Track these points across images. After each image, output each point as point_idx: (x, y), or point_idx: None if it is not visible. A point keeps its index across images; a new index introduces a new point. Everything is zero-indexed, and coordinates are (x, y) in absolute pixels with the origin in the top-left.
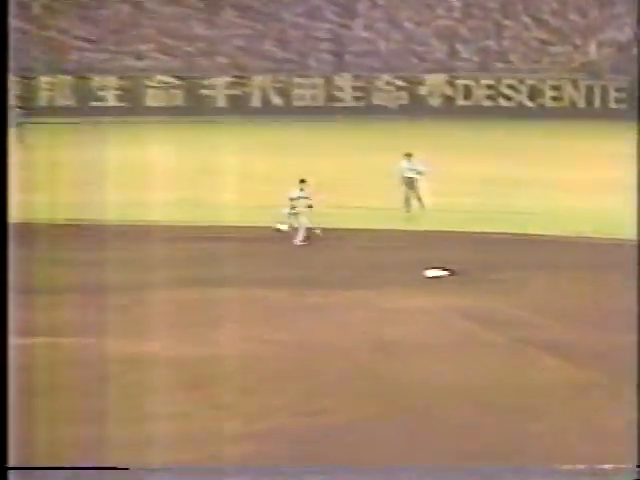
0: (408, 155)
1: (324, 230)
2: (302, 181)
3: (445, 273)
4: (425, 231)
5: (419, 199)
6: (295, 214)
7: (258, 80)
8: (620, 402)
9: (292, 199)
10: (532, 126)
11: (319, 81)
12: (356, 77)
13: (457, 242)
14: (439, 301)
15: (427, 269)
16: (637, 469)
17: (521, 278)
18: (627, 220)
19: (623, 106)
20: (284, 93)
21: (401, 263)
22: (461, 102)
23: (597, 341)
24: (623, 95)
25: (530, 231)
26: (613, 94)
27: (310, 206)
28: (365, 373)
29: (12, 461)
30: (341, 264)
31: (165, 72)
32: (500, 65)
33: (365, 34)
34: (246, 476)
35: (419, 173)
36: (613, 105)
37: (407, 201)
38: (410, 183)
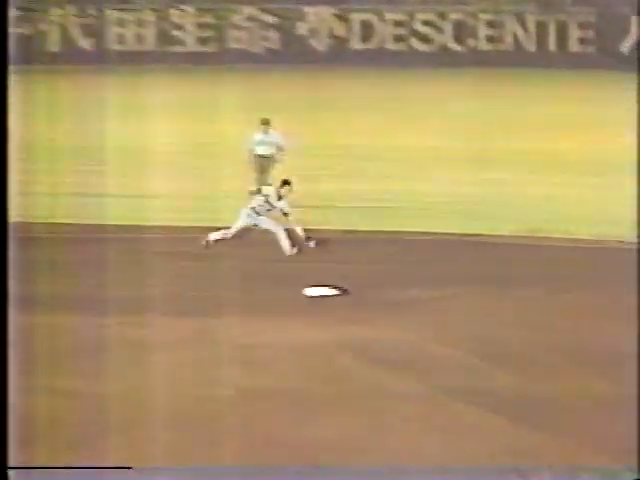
0: (265, 123)
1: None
2: None
3: (333, 292)
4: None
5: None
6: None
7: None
8: None
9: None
10: (459, 77)
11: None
12: (202, 11)
13: (349, 246)
14: (324, 333)
15: (308, 287)
16: (637, 469)
17: (444, 298)
18: (595, 215)
19: (590, 49)
20: (92, 33)
21: (267, 276)
22: (357, 45)
23: (552, 391)
24: (589, 34)
25: (458, 229)
26: (575, 33)
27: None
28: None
29: (12, 461)
30: (177, 277)
31: None
32: None
33: None
34: (246, 477)
35: (280, 149)
36: (575, 48)
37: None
38: (265, 164)
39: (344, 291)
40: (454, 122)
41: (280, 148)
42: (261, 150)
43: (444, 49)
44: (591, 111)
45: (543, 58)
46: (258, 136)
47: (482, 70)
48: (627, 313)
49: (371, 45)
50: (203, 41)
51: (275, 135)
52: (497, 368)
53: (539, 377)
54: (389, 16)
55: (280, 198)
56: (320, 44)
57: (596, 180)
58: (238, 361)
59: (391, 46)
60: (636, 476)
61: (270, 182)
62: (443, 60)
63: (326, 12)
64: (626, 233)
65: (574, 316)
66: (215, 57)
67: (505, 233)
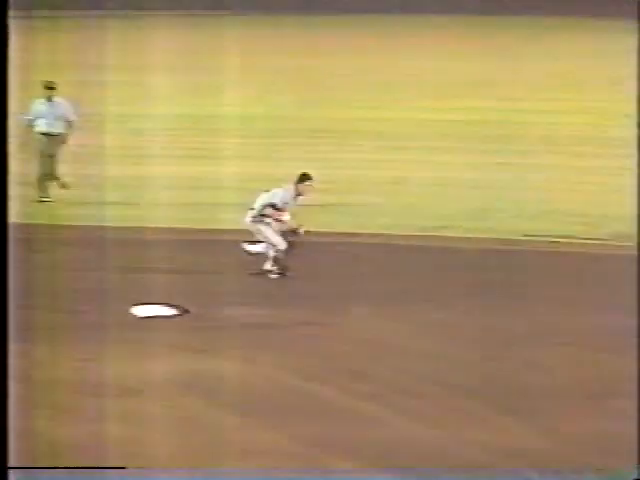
0: (49, 87)
1: None
2: None
3: (171, 312)
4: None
5: (54, 177)
6: None
7: None
8: None
9: None
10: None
11: None
12: None
13: (182, 248)
14: (156, 366)
15: (137, 304)
16: (637, 469)
17: (325, 323)
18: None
19: None
20: None
21: (79, 291)
22: None
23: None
24: None
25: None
26: None
27: None
28: None
29: (12, 461)
30: None
31: None
32: None
33: None
34: (245, 477)
35: (69, 124)
36: None
37: (44, 179)
38: (50, 144)
39: (183, 310)
40: None
41: (69, 123)
42: (45, 126)
43: None
44: None
45: None
46: (39, 106)
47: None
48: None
49: None
50: None
51: (63, 104)
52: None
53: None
54: None
55: (297, 196)
56: None
57: None
58: None
59: None
60: (636, 476)
61: (53, 173)
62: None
63: None
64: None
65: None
66: None
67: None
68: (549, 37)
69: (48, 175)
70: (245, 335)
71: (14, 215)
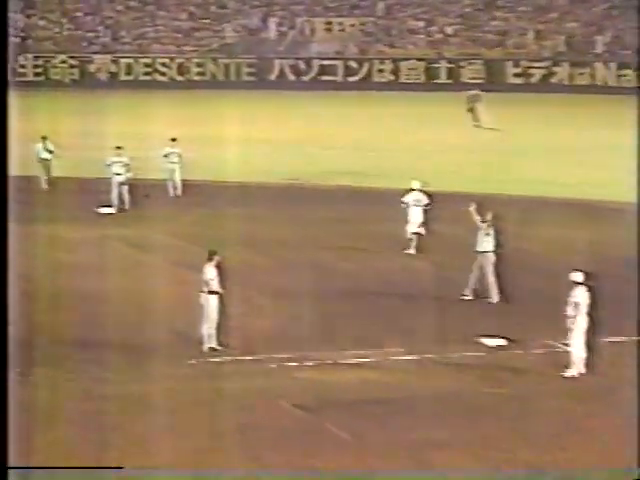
0: (44, 138)
1: None
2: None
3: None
4: None
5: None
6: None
7: None
8: None
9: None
10: (182, 95)
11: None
12: (36, 57)
13: None
14: None
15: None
16: (637, 469)
17: None
18: None
19: (252, 78)
20: None
21: None
22: (124, 77)
23: None
24: (253, 70)
25: None
26: (245, 69)
27: None
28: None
29: (12, 461)
30: None
31: None
32: (155, 47)
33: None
34: (244, 477)
35: (50, 152)
36: (245, 77)
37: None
38: (46, 164)
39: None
40: (184, 118)
41: (51, 153)
42: (42, 155)
43: (172, 79)
44: None
45: (228, 83)
46: (40, 145)
47: (192, 91)
48: None
49: (132, 77)
50: (37, 75)
51: (50, 146)
52: None
53: None
54: (141, 60)
55: None
56: (102, 76)
57: None
58: None
59: (144, 77)
60: (636, 476)
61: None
62: (172, 85)
63: (106, 58)
64: None
65: None
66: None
67: None
68: None
69: (45, 174)
70: None
71: None
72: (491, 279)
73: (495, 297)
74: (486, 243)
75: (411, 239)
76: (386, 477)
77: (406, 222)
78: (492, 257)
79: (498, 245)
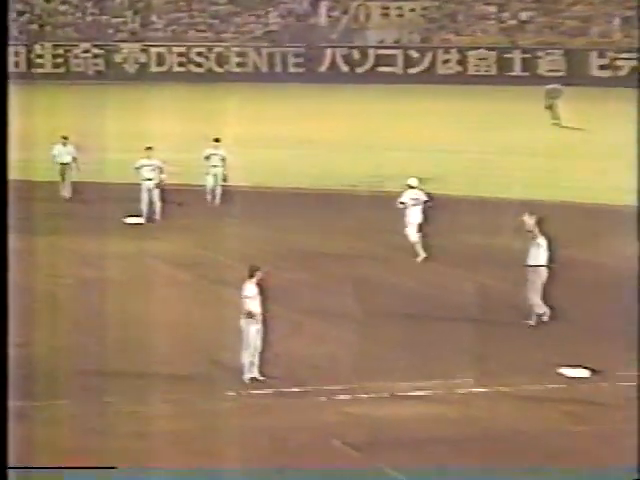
0: (64, 138)
1: None
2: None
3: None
4: None
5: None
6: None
7: None
8: None
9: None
10: (220, 89)
11: (21, 49)
12: (56, 46)
13: None
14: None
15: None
16: (637, 469)
17: None
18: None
19: (300, 70)
20: None
21: None
22: (154, 69)
23: None
24: (300, 60)
25: None
26: (292, 59)
27: None
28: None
29: (12, 461)
30: None
31: None
32: (190, 34)
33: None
34: (242, 477)
35: (74, 159)
36: (292, 69)
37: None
38: (65, 169)
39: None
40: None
41: (75, 158)
42: (62, 159)
43: (210, 70)
44: None
45: (272, 75)
46: (58, 148)
47: (234, 84)
48: None
49: (164, 68)
50: (57, 66)
51: (71, 148)
52: None
53: None
54: (175, 50)
55: None
56: (130, 67)
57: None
58: None
59: (176, 69)
60: (636, 476)
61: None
62: (210, 78)
63: (134, 47)
64: None
65: None
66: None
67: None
68: None
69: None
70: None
71: None
72: (535, 297)
73: (534, 318)
74: (538, 256)
75: (416, 243)
76: None
77: (404, 225)
78: (544, 272)
79: (551, 259)
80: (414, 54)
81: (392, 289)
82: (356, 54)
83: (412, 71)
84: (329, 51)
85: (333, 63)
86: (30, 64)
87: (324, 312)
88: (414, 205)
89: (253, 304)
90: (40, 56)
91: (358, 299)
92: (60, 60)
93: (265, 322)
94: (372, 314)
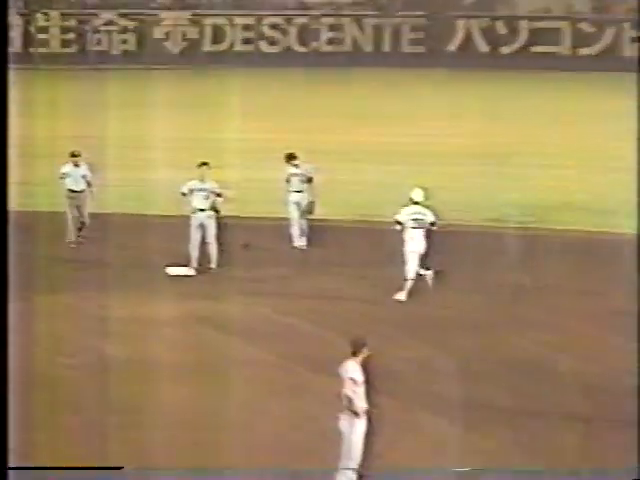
0: (75, 155)
1: None
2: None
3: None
4: None
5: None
6: None
7: None
8: None
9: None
10: (302, 75)
11: (17, 20)
12: (65, 15)
13: None
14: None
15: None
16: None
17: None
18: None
19: (419, 49)
20: None
21: None
22: (208, 47)
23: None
24: (419, 35)
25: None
26: (407, 34)
27: None
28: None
29: (12, 461)
30: None
31: None
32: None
33: None
34: (242, 477)
35: (89, 185)
36: (407, 48)
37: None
38: (77, 200)
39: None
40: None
41: (89, 183)
42: (73, 184)
43: (289, 50)
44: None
45: (379, 57)
46: (68, 169)
47: (324, 69)
48: None
49: (222, 47)
50: (66, 43)
51: (85, 169)
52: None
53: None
54: (238, 20)
55: None
56: (174, 47)
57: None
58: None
59: (240, 48)
60: (636, 476)
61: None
62: (289, 60)
63: (180, 17)
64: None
65: None
66: (75, 58)
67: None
68: None
69: (76, 219)
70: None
71: None
72: None
73: None
74: None
75: (411, 279)
76: None
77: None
78: None
79: None
80: (586, 28)
81: (553, 374)
82: (501, 27)
83: (584, 52)
84: (461, 23)
85: (467, 40)
86: (28, 41)
87: (459, 408)
88: (414, 228)
89: (358, 395)
90: (43, 29)
91: (512, 389)
92: (72, 35)
93: (371, 421)
94: (522, 408)
